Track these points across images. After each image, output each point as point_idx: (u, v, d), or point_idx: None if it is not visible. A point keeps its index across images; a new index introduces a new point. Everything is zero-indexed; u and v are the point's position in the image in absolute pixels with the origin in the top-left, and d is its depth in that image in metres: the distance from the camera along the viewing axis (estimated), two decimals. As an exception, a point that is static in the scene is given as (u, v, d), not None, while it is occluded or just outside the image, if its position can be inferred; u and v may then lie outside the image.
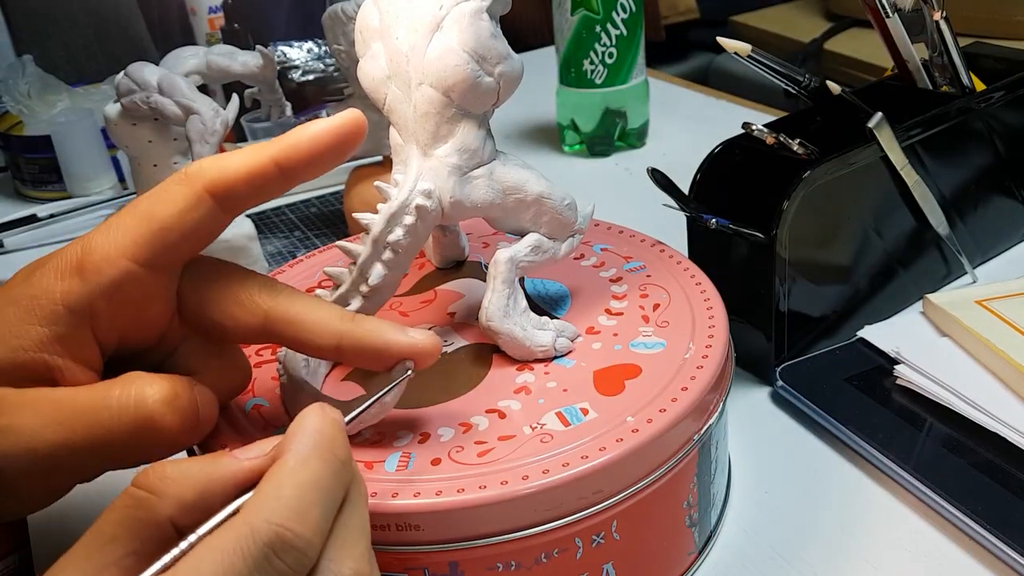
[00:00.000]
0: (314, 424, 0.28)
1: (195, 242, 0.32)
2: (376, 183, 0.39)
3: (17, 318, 0.31)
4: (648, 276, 0.46)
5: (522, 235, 0.41)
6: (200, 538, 0.26)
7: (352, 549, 0.27)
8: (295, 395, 0.37)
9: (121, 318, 0.32)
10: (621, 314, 0.43)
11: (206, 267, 0.34)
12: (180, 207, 0.31)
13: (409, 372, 0.34)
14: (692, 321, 0.41)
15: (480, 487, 0.33)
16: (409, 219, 0.38)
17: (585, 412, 0.37)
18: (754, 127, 0.52)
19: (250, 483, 0.27)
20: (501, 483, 0.33)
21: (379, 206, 0.38)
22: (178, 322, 0.34)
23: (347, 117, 0.33)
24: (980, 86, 0.60)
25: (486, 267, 0.41)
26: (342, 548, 0.27)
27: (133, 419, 0.30)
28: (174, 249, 0.32)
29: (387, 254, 0.38)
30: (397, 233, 0.38)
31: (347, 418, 0.31)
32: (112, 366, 0.33)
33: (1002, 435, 0.44)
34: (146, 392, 0.30)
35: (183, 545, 0.26)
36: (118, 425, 0.30)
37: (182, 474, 0.26)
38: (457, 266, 0.49)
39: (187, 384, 0.32)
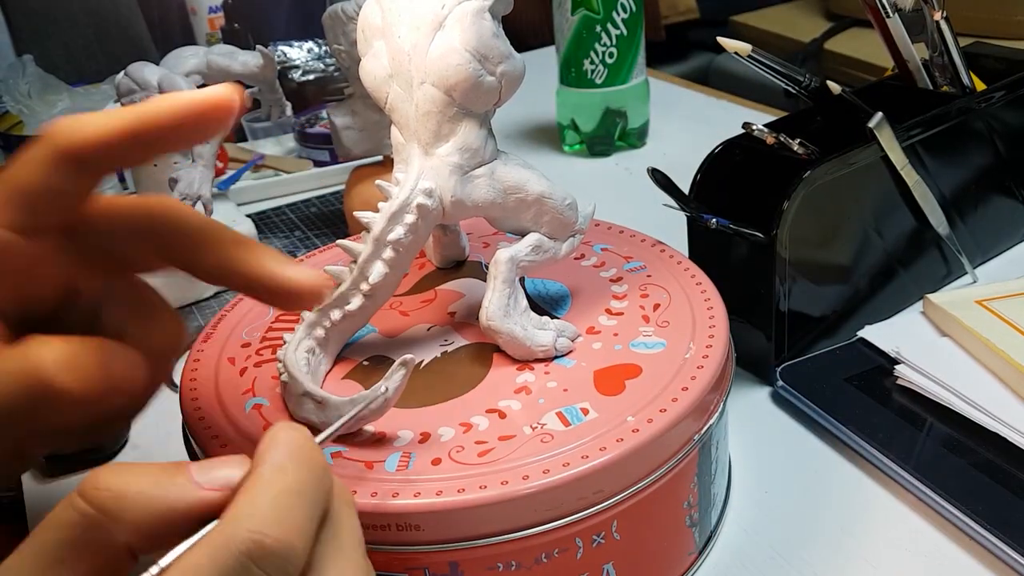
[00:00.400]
0: (286, 435, 0.27)
1: (62, 202, 0.30)
2: (377, 182, 0.39)
3: None
4: (648, 276, 0.46)
5: (523, 235, 0.41)
6: (172, 564, 0.24)
7: (344, 559, 0.26)
8: (296, 394, 0.37)
9: (8, 281, 0.30)
10: (621, 314, 0.43)
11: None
12: (36, 170, 0.29)
13: (405, 373, 0.34)
14: (692, 321, 0.41)
15: (480, 487, 0.33)
16: (410, 218, 0.38)
17: (585, 412, 0.37)
18: (754, 127, 0.52)
19: (214, 513, 0.25)
20: (501, 483, 0.33)
21: (380, 205, 0.38)
22: (87, 279, 0.32)
23: (216, 92, 0.30)
24: (980, 86, 0.60)
25: (486, 267, 0.41)
26: (333, 557, 0.26)
27: (26, 382, 0.28)
28: (41, 211, 0.30)
29: (388, 253, 0.38)
30: (398, 232, 0.38)
31: (322, 436, 0.30)
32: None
33: (1002, 435, 0.44)
34: (41, 353, 0.28)
35: (154, 571, 0.24)
36: (10, 388, 0.28)
37: (141, 495, 0.25)
38: (457, 266, 0.49)
39: (93, 345, 0.29)
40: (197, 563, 0.23)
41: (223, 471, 0.26)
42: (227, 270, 0.31)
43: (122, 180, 0.87)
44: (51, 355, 0.28)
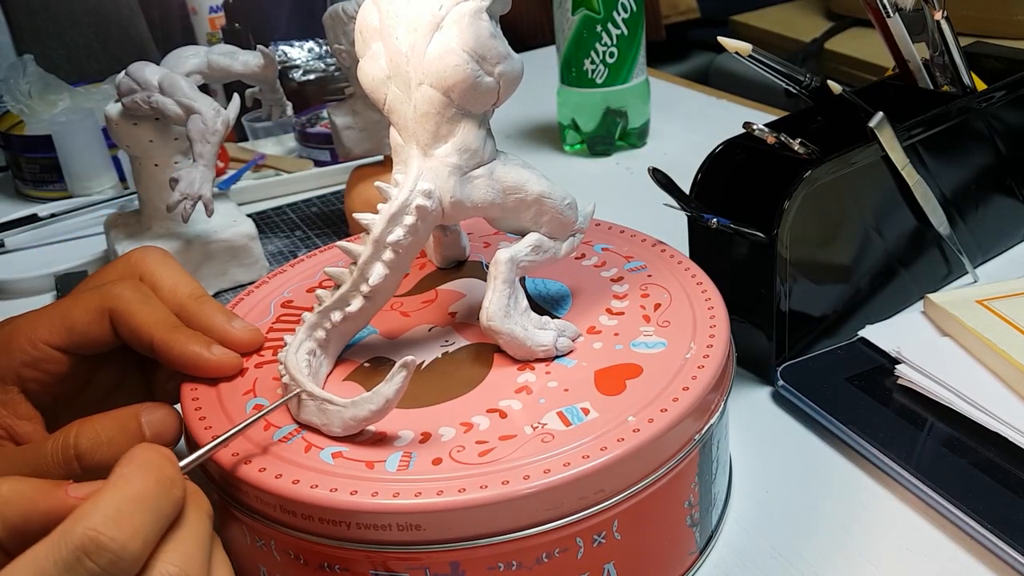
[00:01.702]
0: (140, 451, 0.30)
1: (98, 346, 0.40)
2: (376, 183, 0.39)
3: None
4: (649, 276, 0.46)
5: (523, 235, 0.41)
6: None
7: (185, 557, 0.29)
8: (299, 395, 0.37)
9: (47, 382, 0.40)
10: (622, 314, 0.43)
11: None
12: (89, 322, 0.39)
13: (406, 375, 0.35)
14: (693, 321, 0.41)
15: (481, 487, 0.33)
16: (409, 219, 0.38)
17: (586, 412, 0.37)
18: (755, 127, 0.52)
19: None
20: (502, 483, 0.33)
21: (379, 206, 0.38)
22: (104, 371, 0.42)
23: (221, 362, 0.40)
24: (981, 86, 0.60)
25: (487, 267, 0.41)
26: (173, 554, 0.29)
27: (65, 460, 0.36)
28: (83, 348, 0.40)
29: (388, 254, 0.38)
30: (398, 233, 0.38)
31: (187, 460, 0.33)
32: (70, 397, 0.41)
33: (1003, 435, 0.44)
34: (70, 440, 0.37)
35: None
36: (55, 467, 0.36)
37: (14, 494, 0.29)
38: (458, 266, 0.49)
39: (113, 418, 0.37)
40: (35, 554, 0.27)
41: (94, 487, 0.29)
42: (159, 353, 0.39)
43: (123, 180, 0.87)
44: (85, 440, 0.36)
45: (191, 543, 0.30)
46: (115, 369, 0.43)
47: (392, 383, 0.35)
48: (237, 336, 0.41)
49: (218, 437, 0.34)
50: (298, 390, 0.36)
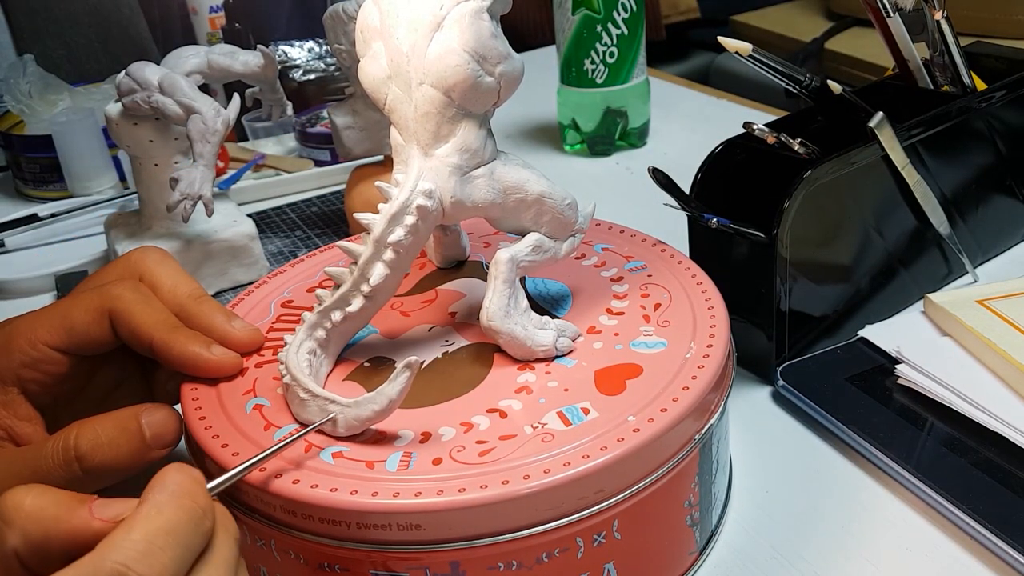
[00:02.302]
0: (173, 476, 0.29)
1: (98, 347, 0.40)
2: (377, 183, 0.39)
3: None
4: (649, 276, 0.46)
5: (523, 235, 0.41)
6: None
7: None
8: (301, 395, 0.37)
9: (47, 382, 0.40)
10: (622, 314, 0.43)
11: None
12: (88, 322, 0.40)
13: (409, 376, 0.34)
14: (693, 321, 0.41)
15: (481, 487, 0.33)
16: (410, 219, 0.38)
17: (586, 411, 0.37)
18: (755, 127, 0.52)
19: (95, 542, 0.28)
20: (502, 483, 0.33)
21: (380, 206, 0.38)
22: (105, 371, 0.42)
23: (220, 362, 0.40)
24: (981, 85, 0.59)
25: (487, 267, 0.41)
26: None
27: (67, 470, 0.37)
28: (83, 348, 0.40)
29: (388, 254, 0.38)
30: (398, 233, 0.38)
31: (216, 481, 0.32)
32: (70, 398, 0.41)
33: (1003, 434, 0.44)
34: (71, 441, 0.37)
35: None
36: (55, 468, 0.36)
37: (36, 509, 0.28)
38: (458, 266, 0.49)
39: (113, 419, 0.37)
40: None
41: (119, 508, 0.29)
42: (158, 353, 0.39)
43: (123, 180, 0.87)
44: (85, 442, 0.37)
45: (218, 573, 0.29)
46: (115, 369, 0.43)
47: (396, 383, 0.35)
48: (237, 336, 0.41)
49: (249, 459, 0.34)
50: (333, 414, 0.36)
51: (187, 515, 0.28)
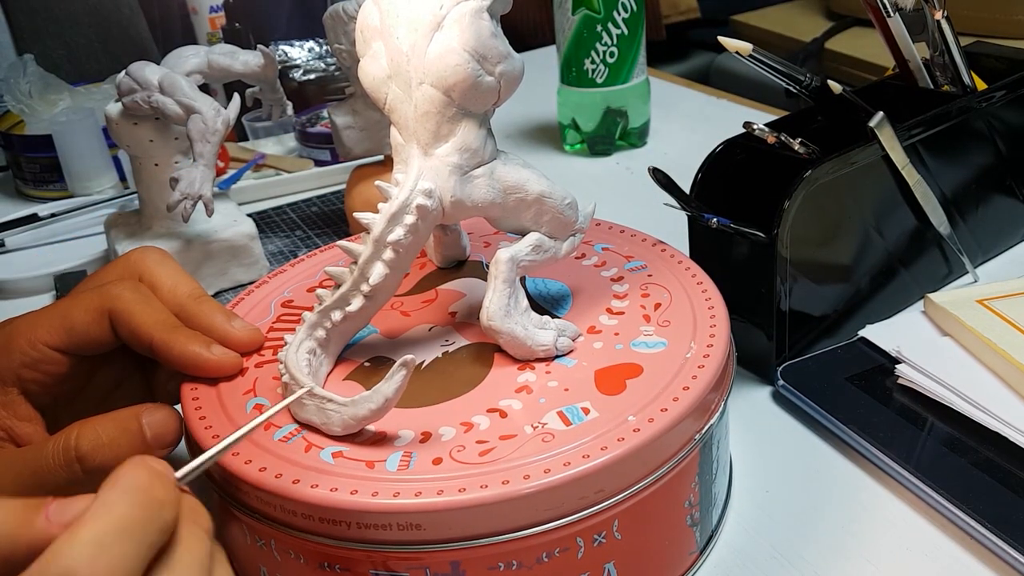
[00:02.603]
0: (126, 471, 0.28)
1: (97, 347, 0.40)
2: (377, 183, 0.39)
3: None
4: (649, 276, 0.45)
5: (523, 234, 0.41)
6: None
7: None
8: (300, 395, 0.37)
9: (47, 383, 0.40)
10: (622, 313, 0.43)
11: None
12: (88, 322, 0.39)
13: (405, 374, 0.34)
14: (694, 321, 0.41)
15: (481, 486, 0.33)
16: (410, 219, 0.38)
17: (586, 411, 0.37)
18: (755, 126, 0.52)
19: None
20: (502, 482, 0.33)
21: (380, 206, 0.38)
22: (105, 371, 0.42)
23: (220, 362, 0.40)
24: (981, 85, 0.59)
25: (487, 266, 0.41)
26: None
27: (68, 472, 0.36)
28: (82, 348, 0.40)
29: (388, 254, 0.38)
30: (398, 233, 0.38)
31: (185, 470, 0.31)
32: (70, 398, 0.41)
33: (1003, 434, 0.44)
34: (71, 442, 0.37)
35: None
36: (56, 469, 0.36)
37: None
38: (458, 265, 0.49)
39: (114, 419, 0.37)
40: None
41: (78, 506, 0.27)
42: (158, 353, 0.39)
43: (123, 179, 0.87)
44: (86, 442, 0.36)
45: (183, 568, 0.28)
46: (115, 370, 0.43)
47: (392, 382, 0.35)
48: (237, 336, 0.41)
49: (217, 444, 0.33)
50: (301, 391, 0.36)
51: (140, 510, 0.27)
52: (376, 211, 0.38)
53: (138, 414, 0.37)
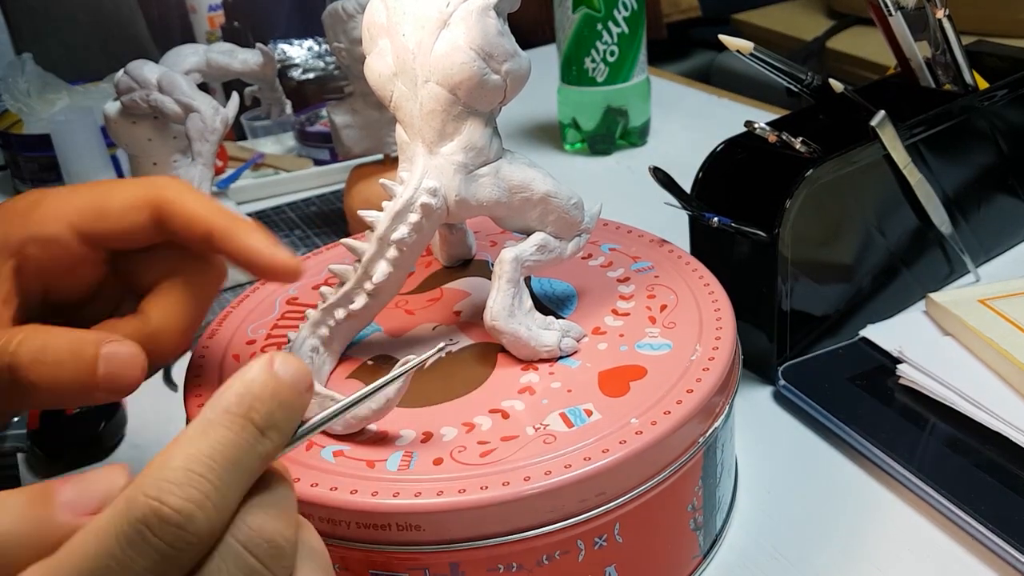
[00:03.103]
0: (240, 382, 0.25)
1: (127, 240, 0.36)
2: (381, 181, 0.39)
3: None
4: (656, 277, 0.45)
5: (528, 234, 0.41)
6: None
7: (268, 520, 0.24)
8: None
9: (48, 268, 0.35)
10: (628, 315, 0.43)
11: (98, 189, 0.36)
12: (130, 209, 0.35)
13: (411, 368, 0.34)
14: (699, 323, 0.41)
15: (482, 488, 0.33)
16: (414, 217, 0.38)
17: (589, 413, 0.36)
18: (756, 125, 0.51)
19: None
20: (503, 484, 0.33)
21: (384, 204, 0.38)
22: (112, 283, 0.37)
23: (285, 262, 0.35)
24: (983, 84, 0.59)
25: (493, 266, 0.41)
26: (255, 520, 0.24)
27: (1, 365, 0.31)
28: (110, 239, 0.35)
29: (392, 252, 0.38)
30: (402, 231, 0.38)
31: (313, 422, 0.27)
32: (57, 307, 0.36)
33: (1005, 434, 0.44)
34: (20, 347, 0.32)
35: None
36: None
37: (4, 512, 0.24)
38: (464, 264, 0.49)
39: (74, 338, 0.32)
40: (98, 526, 0.23)
41: (99, 486, 0.25)
42: (217, 240, 0.35)
43: (121, 176, 0.87)
44: (27, 351, 0.32)
45: (288, 504, 0.25)
46: (111, 305, 0.38)
47: (394, 383, 0.35)
48: (282, 260, 0.36)
49: (344, 399, 0.29)
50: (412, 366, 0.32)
51: (237, 436, 0.24)
52: (378, 209, 0.38)
53: (99, 342, 0.32)
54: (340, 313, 0.39)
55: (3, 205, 0.35)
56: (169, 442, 0.24)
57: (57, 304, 0.37)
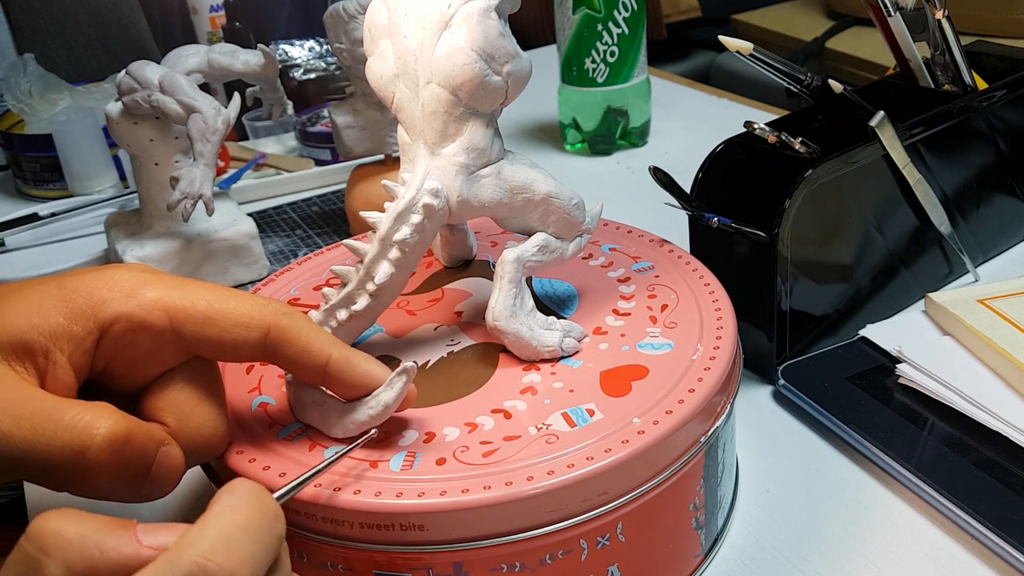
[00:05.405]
0: (241, 483, 0.28)
1: (224, 352, 0.34)
2: (384, 181, 0.39)
3: (52, 301, 0.32)
4: (656, 276, 0.45)
5: (530, 234, 0.41)
6: None
7: None
8: (300, 394, 0.37)
9: (123, 352, 0.34)
10: (629, 315, 0.43)
11: (204, 291, 0.35)
12: (238, 324, 0.34)
13: (405, 381, 0.35)
14: (700, 322, 0.41)
15: (484, 487, 0.33)
16: (416, 218, 0.38)
17: (591, 413, 0.37)
18: (756, 126, 0.52)
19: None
20: (506, 484, 0.33)
21: (386, 205, 0.38)
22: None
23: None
24: (982, 85, 0.60)
25: (494, 266, 0.41)
26: None
27: (71, 442, 0.30)
28: (209, 345, 0.34)
29: (394, 253, 0.38)
30: (404, 232, 0.38)
31: (281, 491, 0.31)
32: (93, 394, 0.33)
33: (1004, 434, 0.44)
34: (98, 423, 0.30)
35: None
36: (56, 441, 0.30)
37: (79, 537, 0.26)
38: (465, 265, 0.49)
39: (148, 433, 0.32)
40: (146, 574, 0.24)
41: (166, 534, 0.27)
42: (333, 373, 0.35)
43: (123, 179, 0.87)
44: (105, 427, 0.30)
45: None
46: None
47: (392, 389, 0.35)
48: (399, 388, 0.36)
49: (316, 466, 0.33)
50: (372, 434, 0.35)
51: (261, 515, 0.27)
52: (381, 210, 0.38)
53: (162, 440, 0.32)
54: (342, 314, 0.39)
55: (109, 272, 0.34)
56: (164, 546, 0.26)
57: (107, 387, 0.35)
